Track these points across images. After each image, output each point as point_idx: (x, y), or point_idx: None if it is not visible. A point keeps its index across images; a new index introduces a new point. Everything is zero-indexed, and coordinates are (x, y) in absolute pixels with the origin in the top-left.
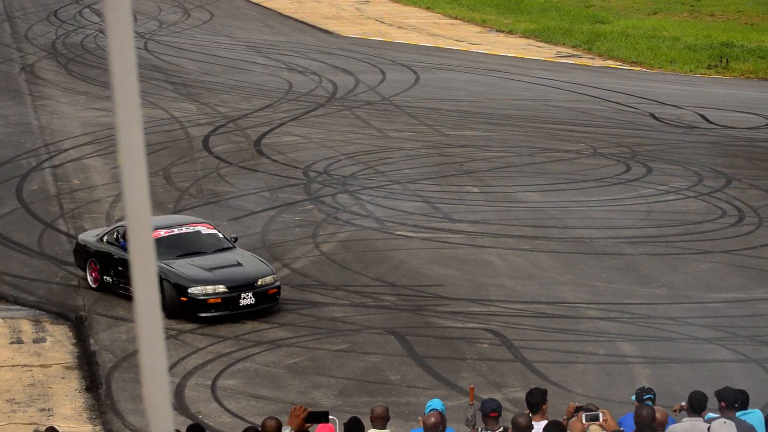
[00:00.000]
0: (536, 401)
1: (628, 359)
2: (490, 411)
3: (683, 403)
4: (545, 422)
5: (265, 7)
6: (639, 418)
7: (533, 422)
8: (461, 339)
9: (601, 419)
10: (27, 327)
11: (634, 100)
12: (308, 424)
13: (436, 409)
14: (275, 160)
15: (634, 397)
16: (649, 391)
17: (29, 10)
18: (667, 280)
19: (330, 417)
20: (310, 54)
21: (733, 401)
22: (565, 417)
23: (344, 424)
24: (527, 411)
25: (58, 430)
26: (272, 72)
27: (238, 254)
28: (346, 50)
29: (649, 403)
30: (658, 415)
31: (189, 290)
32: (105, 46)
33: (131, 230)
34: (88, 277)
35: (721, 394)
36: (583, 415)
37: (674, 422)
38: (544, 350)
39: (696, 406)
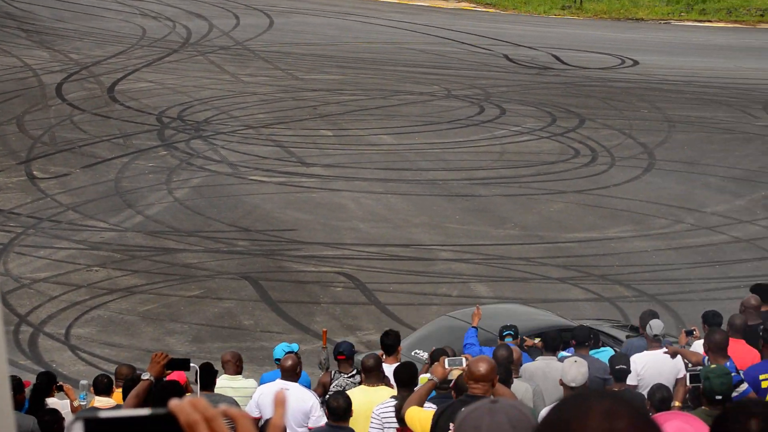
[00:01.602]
0: (391, 343)
1: (482, 300)
2: (337, 354)
3: (536, 340)
4: (397, 363)
5: None
6: (495, 358)
7: (387, 364)
8: (315, 283)
9: (464, 364)
10: None
11: (488, 42)
12: (168, 371)
13: (293, 352)
14: (129, 107)
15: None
16: (510, 327)
17: None
18: (520, 220)
19: (191, 365)
20: None
21: (584, 340)
22: (427, 362)
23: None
24: (380, 352)
25: None
26: (126, 18)
27: None
28: None
29: (509, 339)
30: (514, 355)
31: None
32: None
33: None
34: None
35: (573, 333)
36: (446, 360)
37: (530, 360)
38: (398, 293)
39: (550, 344)
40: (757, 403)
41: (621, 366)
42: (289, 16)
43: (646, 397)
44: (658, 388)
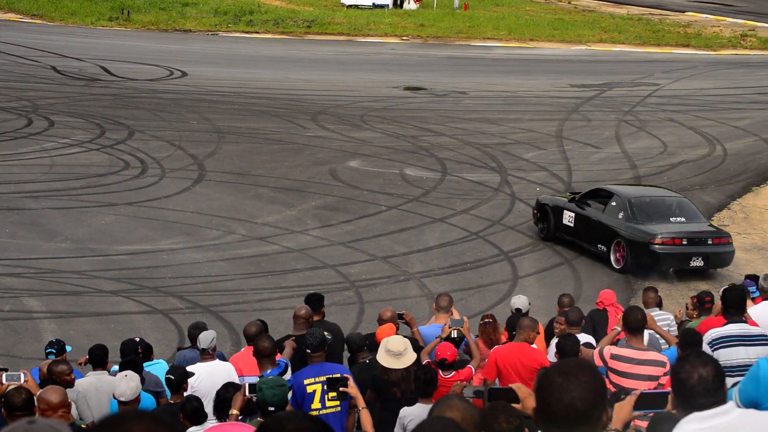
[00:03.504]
0: None
1: (34, 315)
2: None
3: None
4: None
5: None
6: (49, 373)
7: None
8: None
9: (22, 380)
10: None
11: (34, 53)
12: None
13: None
14: None
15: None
16: (53, 344)
17: None
18: (71, 233)
19: None
20: None
21: (133, 353)
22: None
23: None
24: None
25: None
26: None
27: None
28: None
29: (51, 357)
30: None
31: None
32: None
33: None
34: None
35: (121, 347)
36: (3, 375)
37: (81, 377)
38: None
39: (95, 359)
40: (293, 416)
41: (178, 377)
42: None
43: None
44: (188, 400)
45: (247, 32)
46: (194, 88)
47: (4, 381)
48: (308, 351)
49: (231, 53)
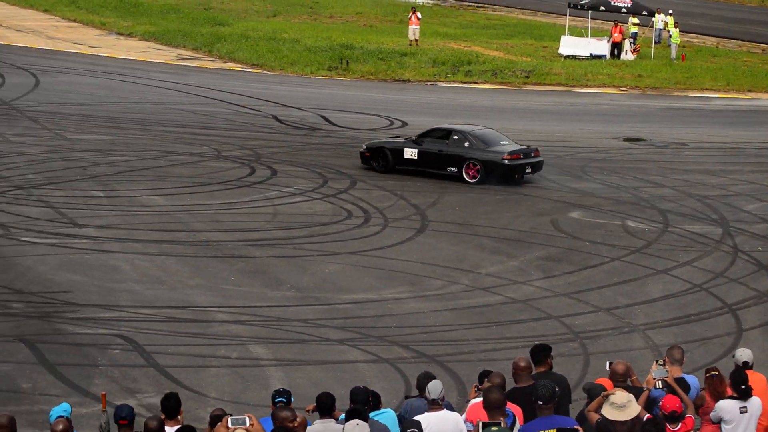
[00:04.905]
0: (172, 406)
1: (261, 362)
2: (119, 419)
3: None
4: (179, 426)
5: None
6: (275, 419)
7: (169, 427)
8: (92, 345)
9: (247, 423)
10: None
11: (256, 103)
12: None
13: (63, 416)
14: None
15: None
16: (282, 393)
17: None
18: (296, 282)
19: None
20: None
21: (363, 401)
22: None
23: None
24: (162, 415)
25: None
26: None
27: None
28: None
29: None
30: (298, 419)
31: None
32: None
33: None
34: None
35: (351, 395)
36: (229, 419)
37: (309, 424)
38: (176, 355)
39: (323, 407)
40: None
41: (413, 430)
42: (55, 76)
43: None
44: None
45: (465, 82)
46: None
47: (229, 425)
48: (540, 402)
49: (450, 103)
